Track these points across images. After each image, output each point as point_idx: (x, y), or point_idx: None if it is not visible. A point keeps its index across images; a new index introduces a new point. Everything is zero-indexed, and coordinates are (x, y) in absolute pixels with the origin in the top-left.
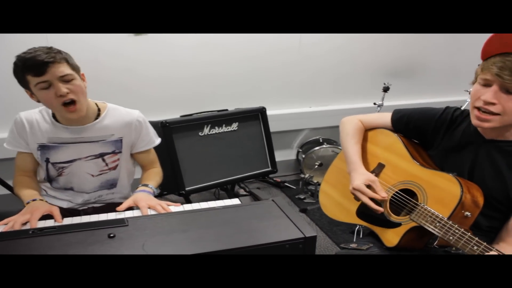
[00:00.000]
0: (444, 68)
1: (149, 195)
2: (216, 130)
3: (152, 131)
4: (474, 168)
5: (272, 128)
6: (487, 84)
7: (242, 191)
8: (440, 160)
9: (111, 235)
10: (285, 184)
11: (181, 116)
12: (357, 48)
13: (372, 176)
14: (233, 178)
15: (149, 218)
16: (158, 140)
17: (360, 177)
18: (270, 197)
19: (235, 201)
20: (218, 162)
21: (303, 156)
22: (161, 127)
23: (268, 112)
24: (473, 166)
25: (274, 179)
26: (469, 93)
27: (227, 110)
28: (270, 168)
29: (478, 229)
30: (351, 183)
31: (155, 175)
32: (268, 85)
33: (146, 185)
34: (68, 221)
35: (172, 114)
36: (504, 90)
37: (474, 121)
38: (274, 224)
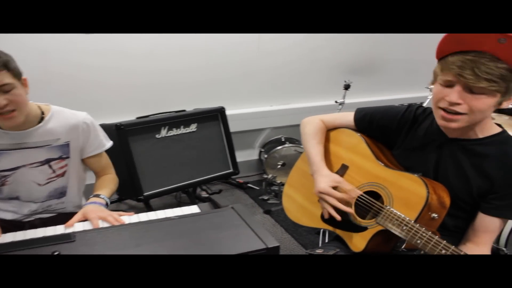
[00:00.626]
0: (404, 65)
1: (100, 207)
2: (174, 131)
3: (102, 134)
4: (439, 168)
5: (233, 128)
6: (449, 85)
7: (204, 194)
8: (404, 159)
9: (55, 252)
10: (248, 185)
11: (137, 118)
12: (317, 45)
13: (337, 177)
14: (193, 181)
15: (98, 231)
16: (109, 144)
17: (325, 179)
18: (233, 199)
19: (194, 208)
20: (177, 165)
21: (266, 156)
22: (116, 130)
23: (228, 112)
24: (437, 165)
25: (237, 180)
26: (430, 90)
27: (185, 111)
28: (231, 170)
29: (445, 229)
30: (316, 186)
31: (108, 183)
32: (228, 84)
33: (97, 196)
34: (9, 237)
35: (128, 116)
36: (467, 89)
37: (440, 122)
38: (235, 234)
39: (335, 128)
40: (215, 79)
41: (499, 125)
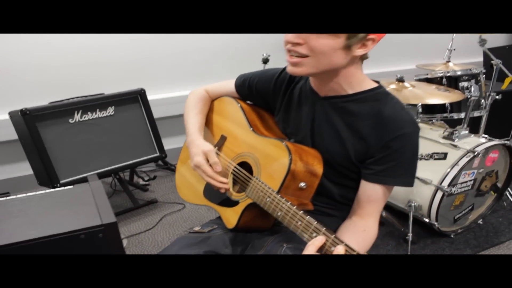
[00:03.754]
0: None
1: None
2: (89, 116)
3: None
4: (314, 131)
5: (163, 113)
6: None
7: (141, 181)
8: (284, 124)
9: None
10: None
11: (50, 103)
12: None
13: (207, 146)
14: (116, 167)
15: None
16: None
17: (197, 150)
18: (172, 185)
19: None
20: (96, 151)
21: None
22: (21, 116)
23: (158, 96)
24: (313, 128)
25: (175, 165)
26: None
27: (103, 94)
28: (158, 154)
29: (332, 199)
30: (191, 159)
31: None
32: (154, 67)
33: None
34: None
35: (42, 101)
36: None
37: (288, 69)
38: (76, 211)
39: (220, 97)
40: (144, 62)
41: (377, 82)
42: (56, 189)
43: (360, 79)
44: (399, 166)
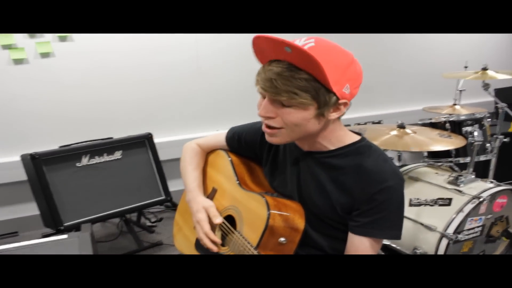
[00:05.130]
0: None
1: None
2: (97, 160)
3: None
4: (301, 185)
5: (170, 155)
6: (264, 96)
7: (147, 223)
8: (270, 178)
9: None
10: None
11: (60, 147)
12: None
13: (207, 202)
14: (121, 210)
15: None
16: None
17: (198, 206)
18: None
19: (63, 237)
20: (102, 194)
21: None
22: (31, 160)
23: (165, 139)
24: (299, 182)
25: None
26: None
27: (112, 138)
28: (163, 197)
29: (322, 251)
30: (193, 215)
31: None
32: (164, 110)
33: None
34: None
35: (53, 144)
36: (277, 101)
37: (266, 137)
38: None
39: (213, 150)
40: (149, 105)
41: (359, 134)
42: (46, 239)
43: (340, 135)
44: (386, 219)
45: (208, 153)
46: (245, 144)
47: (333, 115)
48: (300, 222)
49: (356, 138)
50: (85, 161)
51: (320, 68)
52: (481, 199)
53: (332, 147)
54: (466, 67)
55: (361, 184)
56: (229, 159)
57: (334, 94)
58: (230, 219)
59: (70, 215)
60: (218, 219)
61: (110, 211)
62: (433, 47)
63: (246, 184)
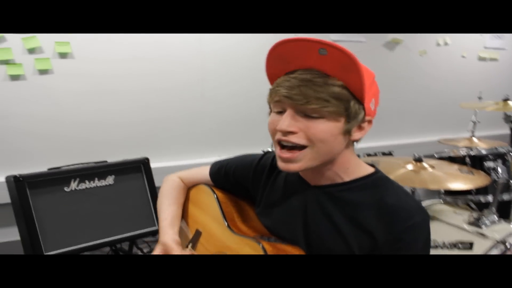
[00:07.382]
0: None
1: None
2: (87, 184)
3: None
4: (308, 227)
5: None
6: (281, 111)
7: (139, 253)
8: (266, 219)
9: None
10: None
11: (49, 169)
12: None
13: (169, 246)
14: (110, 240)
15: None
16: None
17: (157, 244)
18: None
19: None
20: (89, 222)
21: None
22: (14, 182)
23: (162, 164)
24: (306, 224)
25: None
26: None
27: (106, 161)
28: (157, 227)
29: None
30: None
31: None
32: (163, 134)
33: None
34: None
35: (42, 166)
36: (301, 113)
37: (280, 165)
38: None
39: (196, 185)
40: (147, 129)
41: (372, 165)
42: None
43: (356, 164)
44: None
45: (189, 188)
46: (234, 179)
47: (357, 135)
48: None
49: (371, 169)
50: (73, 185)
51: (360, 73)
52: (507, 246)
53: (347, 179)
54: (480, 97)
55: (384, 222)
56: (215, 196)
57: (363, 108)
58: None
59: (52, 243)
60: None
61: (99, 240)
62: (447, 77)
63: (236, 227)
